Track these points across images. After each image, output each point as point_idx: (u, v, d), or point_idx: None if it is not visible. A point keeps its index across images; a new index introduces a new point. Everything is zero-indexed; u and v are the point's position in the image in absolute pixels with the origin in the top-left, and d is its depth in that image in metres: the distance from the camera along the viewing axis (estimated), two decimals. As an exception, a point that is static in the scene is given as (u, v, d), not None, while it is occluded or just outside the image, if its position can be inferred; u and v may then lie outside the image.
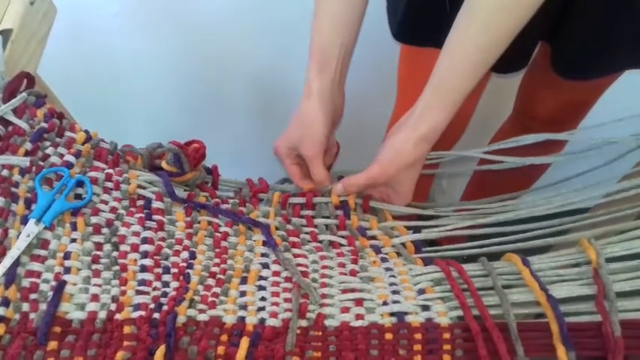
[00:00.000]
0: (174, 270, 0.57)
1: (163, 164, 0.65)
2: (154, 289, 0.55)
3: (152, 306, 0.53)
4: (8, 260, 0.53)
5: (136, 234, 0.59)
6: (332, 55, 0.67)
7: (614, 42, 0.70)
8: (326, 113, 0.67)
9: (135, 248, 0.58)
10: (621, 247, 0.56)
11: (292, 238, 0.64)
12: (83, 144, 0.64)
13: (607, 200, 0.66)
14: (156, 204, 0.62)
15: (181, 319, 0.53)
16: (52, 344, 0.50)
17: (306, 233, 0.65)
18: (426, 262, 0.61)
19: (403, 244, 0.63)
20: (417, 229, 0.64)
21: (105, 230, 0.59)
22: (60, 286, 0.53)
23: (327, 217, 0.66)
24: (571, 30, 0.71)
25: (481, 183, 1.07)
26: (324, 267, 0.60)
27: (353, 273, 0.59)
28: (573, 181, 0.73)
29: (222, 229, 0.63)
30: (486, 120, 1.04)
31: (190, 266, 0.58)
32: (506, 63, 0.78)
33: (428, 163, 0.70)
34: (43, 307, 0.52)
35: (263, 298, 0.56)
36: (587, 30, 0.70)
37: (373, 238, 0.64)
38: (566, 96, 0.84)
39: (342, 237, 0.64)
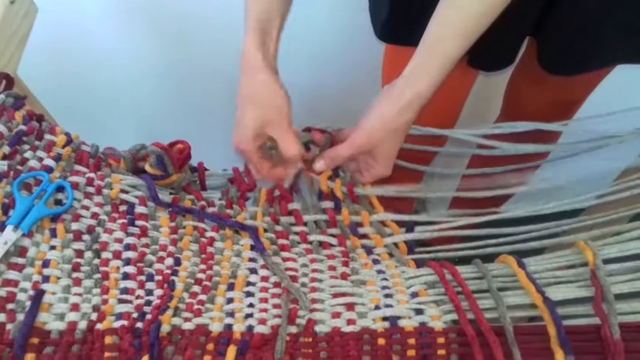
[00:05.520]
0: (158, 277, 0.55)
1: (147, 167, 0.63)
2: (137, 297, 0.53)
3: (135, 315, 0.51)
4: (-16, 269, 0.51)
5: (119, 240, 0.57)
6: (273, 25, 0.62)
7: (603, 35, 0.69)
8: (280, 85, 0.61)
9: (117, 255, 0.56)
10: (618, 248, 0.55)
11: (281, 241, 0.62)
12: (63, 147, 0.62)
13: (602, 201, 0.65)
14: (139, 209, 0.60)
15: (165, 328, 0.51)
16: (30, 356, 0.48)
17: (296, 233, 0.63)
18: (419, 263, 0.59)
19: (396, 245, 0.61)
20: (409, 228, 0.63)
21: (86, 237, 0.57)
22: (38, 296, 0.51)
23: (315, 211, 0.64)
24: (558, 24, 0.70)
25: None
26: (314, 270, 0.58)
27: (344, 276, 0.57)
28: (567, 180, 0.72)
29: (208, 234, 0.61)
30: (473, 122, 1.03)
31: (175, 273, 0.56)
32: (493, 60, 0.77)
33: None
34: (20, 317, 0.50)
35: (251, 305, 0.54)
36: (574, 23, 0.69)
37: (365, 236, 0.63)
38: (554, 94, 0.83)
39: (333, 236, 0.62)
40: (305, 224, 0.63)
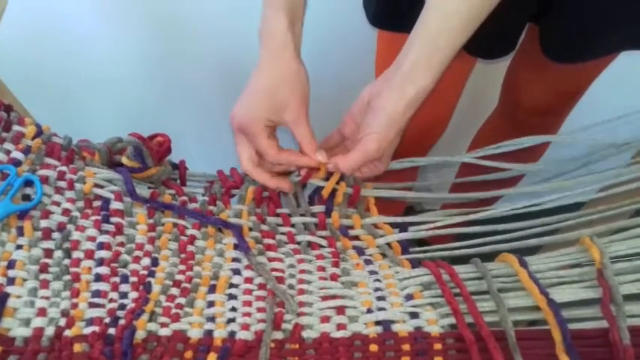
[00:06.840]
0: (133, 279, 0.51)
1: (124, 159, 0.59)
2: (110, 300, 0.49)
3: (107, 320, 0.47)
4: (-58, 271, 0.47)
5: (92, 239, 0.53)
6: (300, 11, 0.60)
7: (607, 20, 0.66)
8: (306, 70, 0.60)
9: (89, 255, 0.52)
10: (627, 245, 0.51)
11: (267, 240, 0.58)
12: (33, 139, 0.58)
13: (604, 195, 0.61)
14: (114, 205, 0.56)
15: (140, 335, 0.47)
16: (-9, 366, 0.44)
17: (283, 234, 0.59)
18: (414, 263, 0.56)
19: (389, 245, 0.58)
20: (403, 228, 0.59)
21: (56, 235, 0.53)
22: (2, 299, 0.47)
23: (304, 215, 0.60)
24: (562, 9, 0.67)
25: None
26: (302, 271, 0.54)
27: (334, 277, 0.54)
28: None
29: (189, 231, 0.57)
30: (471, 112, 1.00)
31: (152, 274, 0.52)
32: (492, 47, 0.74)
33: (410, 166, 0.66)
34: (-19, 323, 0.46)
35: (233, 309, 0.50)
36: (577, 8, 0.66)
37: (356, 238, 0.59)
38: (555, 83, 0.79)
39: (322, 237, 0.59)
40: (292, 226, 0.59)
